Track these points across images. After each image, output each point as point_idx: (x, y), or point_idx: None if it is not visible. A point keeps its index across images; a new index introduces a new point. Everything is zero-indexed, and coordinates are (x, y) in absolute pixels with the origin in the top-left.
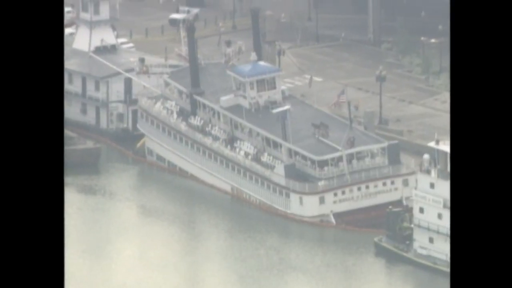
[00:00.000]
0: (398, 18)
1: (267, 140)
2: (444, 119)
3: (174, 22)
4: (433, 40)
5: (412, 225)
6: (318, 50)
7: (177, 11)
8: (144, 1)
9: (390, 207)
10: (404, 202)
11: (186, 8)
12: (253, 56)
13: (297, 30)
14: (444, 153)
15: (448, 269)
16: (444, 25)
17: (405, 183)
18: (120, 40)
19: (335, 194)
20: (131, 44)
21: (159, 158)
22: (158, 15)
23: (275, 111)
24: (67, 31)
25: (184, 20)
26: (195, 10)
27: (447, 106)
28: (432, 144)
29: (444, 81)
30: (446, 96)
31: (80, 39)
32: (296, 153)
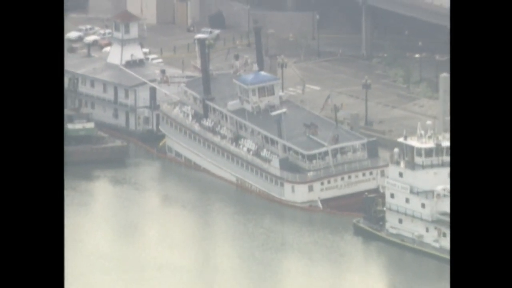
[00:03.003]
0: (386, 37)
1: (266, 138)
2: (421, 121)
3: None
4: (417, 56)
5: (385, 209)
6: (319, 64)
7: (190, 31)
8: (175, 23)
9: (366, 193)
10: (381, 190)
11: (209, 29)
12: (255, 67)
13: (302, 47)
14: (411, 147)
15: (413, 245)
16: (423, 42)
17: (382, 173)
18: (152, 56)
19: (322, 183)
20: (160, 60)
21: (177, 154)
22: (185, 35)
23: (273, 113)
24: (106, 49)
25: (199, 39)
26: (216, 31)
27: (424, 110)
28: (401, 139)
29: (422, 89)
30: (423, 101)
31: (113, 55)
32: (290, 149)
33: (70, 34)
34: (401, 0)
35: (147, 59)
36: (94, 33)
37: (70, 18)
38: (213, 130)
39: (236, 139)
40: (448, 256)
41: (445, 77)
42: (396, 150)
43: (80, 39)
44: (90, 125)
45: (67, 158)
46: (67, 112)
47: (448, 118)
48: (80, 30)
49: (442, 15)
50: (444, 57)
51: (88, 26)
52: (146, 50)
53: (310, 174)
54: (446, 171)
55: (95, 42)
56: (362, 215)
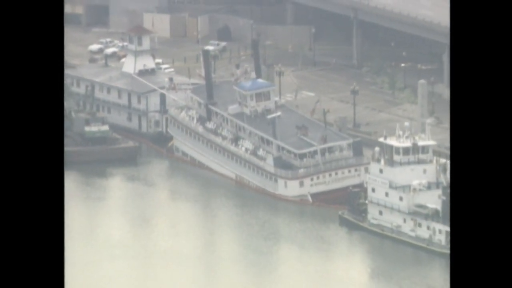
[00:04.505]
0: (375, 48)
1: (262, 138)
2: (402, 124)
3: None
4: (402, 65)
5: (367, 202)
6: (314, 72)
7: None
8: (186, 37)
9: (351, 188)
10: (365, 185)
11: (216, 42)
12: (253, 75)
13: (299, 57)
14: (390, 146)
15: (392, 235)
16: (407, 53)
17: (366, 170)
18: (164, 66)
19: (312, 179)
20: (172, 69)
21: (184, 153)
22: (195, 47)
23: (269, 116)
24: (123, 60)
25: (203, 51)
26: (223, 43)
27: (407, 113)
28: (381, 139)
29: (406, 95)
30: (406, 106)
31: (127, 64)
32: (283, 148)
33: (92, 47)
34: (388, 15)
35: (160, 68)
36: (113, 46)
37: (92, 32)
38: (215, 132)
39: (235, 140)
40: (423, 244)
41: (423, 84)
42: (377, 149)
43: (101, 51)
44: (105, 127)
45: (84, 157)
46: (84, 116)
47: (425, 120)
48: (101, 43)
49: (424, 28)
50: (427, 66)
51: (108, 39)
52: (159, 60)
53: (301, 171)
54: (422, 167)
55: (114, 54)
56: (347, 208)
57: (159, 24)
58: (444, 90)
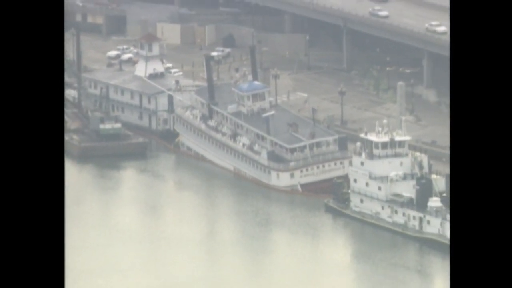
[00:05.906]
0: (363, 53)
1: (257, 135)
2: (381, 121)
3: (212, 58)
4: (388, 68)
5: (349, 191)
6: (308, 75)
7: (200, 49)
8: (195, 44)
9: (335, 178)
10: (348, 176)
11: (221, 48)
12: (250, 78)
13: (295, 62)
14: (370, 141)
15: (372, 221)
16: (390, 57)
17: (350, 163)
18: (174, 70)
19: (301, 171)
20: (181, 73)
21: (188, 148)
22: (202, 53)
23: (264, 115)
24: (135, 65)
25: (205, 56)
26: (227, 50)
27: (389, 112)
28: (362, 135)
29: (389, 95)
30: (389, 105)
31: (139, 69)
32: (276, 143)
33: (110, 53)
34: (374, 24)
35: (170, 72)
36: (129, 52)
37: (111, 40)
38: (216, 129)
39: (234, 136)
40: (399, 229)
41: (401, 85)
42: (358, 143)
43: (118, 57)
44: (118, 125)
45: (99, 152)
46: (99, 114)
47: (402, 117)
48: (118, 49)
49: (407, 36)
50: (409, 69)
51: (125, 46)
52: (169, 65)
53: (292, 163)
54: (398, 160)
55: (129, 59)
56: (332, 196)
57: (171, 32)
58: (423, 91)
